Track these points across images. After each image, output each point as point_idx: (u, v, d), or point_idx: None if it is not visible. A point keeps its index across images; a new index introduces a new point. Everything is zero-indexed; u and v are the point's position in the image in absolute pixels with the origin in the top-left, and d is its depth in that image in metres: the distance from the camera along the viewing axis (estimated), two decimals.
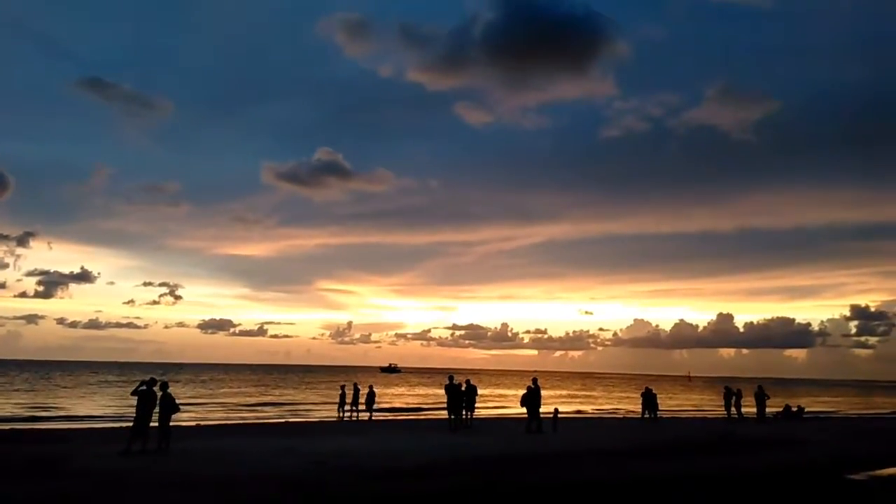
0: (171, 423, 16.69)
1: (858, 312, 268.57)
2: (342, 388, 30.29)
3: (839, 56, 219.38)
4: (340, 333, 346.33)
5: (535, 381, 23.38)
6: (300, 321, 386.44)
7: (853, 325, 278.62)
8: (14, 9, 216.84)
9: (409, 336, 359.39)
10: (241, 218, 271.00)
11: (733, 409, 31.69)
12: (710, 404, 55.18)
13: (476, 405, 24.26)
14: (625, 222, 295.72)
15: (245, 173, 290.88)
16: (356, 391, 28.96)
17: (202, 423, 27.46)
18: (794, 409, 36.38)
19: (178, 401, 17.30)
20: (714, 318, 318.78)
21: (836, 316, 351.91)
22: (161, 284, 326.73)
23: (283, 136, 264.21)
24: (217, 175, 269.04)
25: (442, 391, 24.59)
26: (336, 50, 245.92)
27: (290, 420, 31.56)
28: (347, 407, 28.90)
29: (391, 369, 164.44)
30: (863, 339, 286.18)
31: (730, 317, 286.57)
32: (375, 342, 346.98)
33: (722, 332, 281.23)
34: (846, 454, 19.10)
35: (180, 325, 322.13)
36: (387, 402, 50.74)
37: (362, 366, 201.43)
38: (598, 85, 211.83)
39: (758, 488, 13.12)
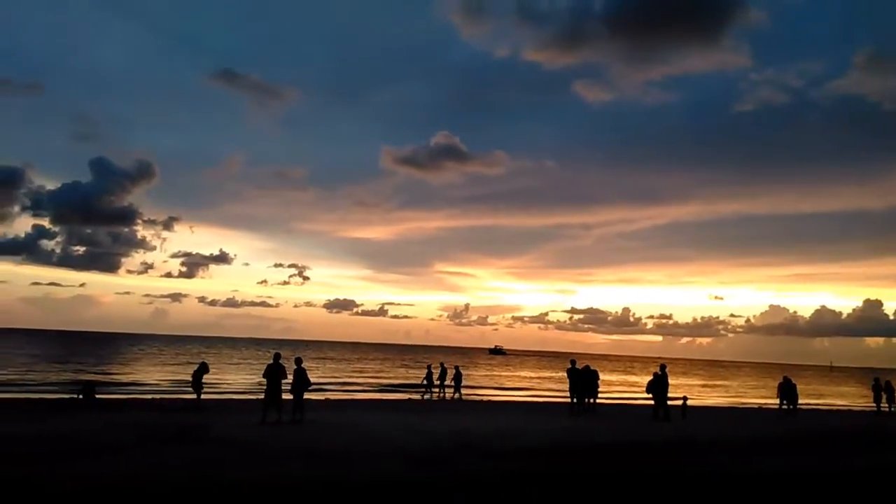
0: (305, 397, 17.47)
1: None
2: (429, 367, 30.64)
3: None
4: (458, 315, 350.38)
5: (662, 367, 22.45)
6: (419, 302, 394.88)
7: None
8: (151, 6, 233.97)
9: (526, 319, 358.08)
10: (363, 202, 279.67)
11: (884, 402, 29.02)
12: (854, 397, 50.98)
13: (599, 390, 23.70)
14: (759, 201, 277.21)
15: (365, 158, 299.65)
16: (443, 371, 29.23)
17: (330, 397, 28.65)
18: None
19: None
20: (860, 304, 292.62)
21: None
22: (290, 266, 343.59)
23: (401, 121, 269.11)
24: (339, 160, 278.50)
25: (562, 374, 24.18)
26: (452, 32, 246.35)
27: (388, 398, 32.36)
28: (436, 388, 29.22)
29: (497, 351, 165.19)
30: None
31: (878, 303, 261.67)
32: (492, 325, 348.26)
33: (869, 320, 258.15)
34: None
35: (308, 304, 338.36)
36: (501, 384, 50.84)
37: (478, 347, 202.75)
38: (729, 55, 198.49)
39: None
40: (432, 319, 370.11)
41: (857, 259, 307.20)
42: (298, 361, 17.46)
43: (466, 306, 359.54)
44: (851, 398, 49.95)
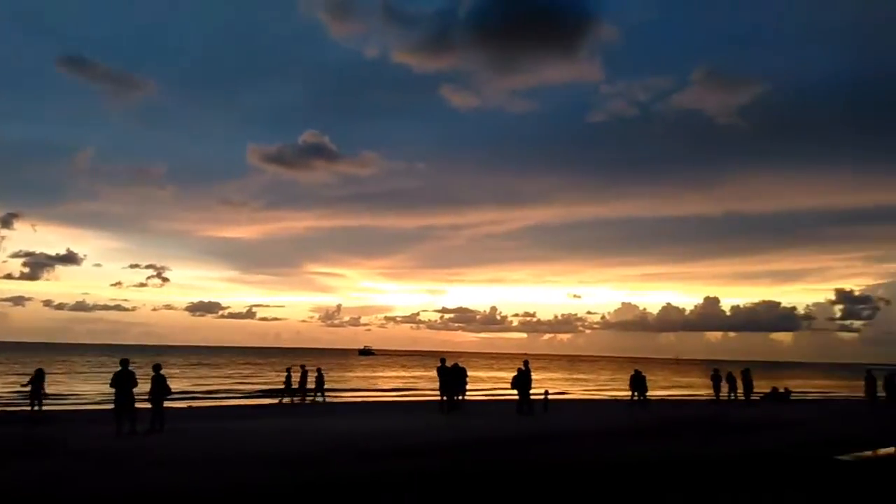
0: (166, 405, 16.67)
1: (843, 296, 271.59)
2: (288, 371, 29.12)
3: (827, 40, 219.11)
4: (330, 316, 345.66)
5: (525, 363, 23.55)
6: (289, 304, 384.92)
7: (838, 309, 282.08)
8: None
9: (398, 319, 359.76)
10: (228, 200, 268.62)
11: (722, 391, 31.93)
12: (698, 387, 55.75)
13: (466, 387, 24.41)
14: (613, 206, 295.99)
15: (231, 155, 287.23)
16: (304, 374, 28.32)
17: (193, 404, 27.42)
18: (781, 391, 36.80)
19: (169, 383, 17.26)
20: (701, 301, 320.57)
21: (822, 300, 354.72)
22: (148, 266, 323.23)
23: (268, 118, 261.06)
24: (203, 157, 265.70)
25: (433, 373, 24.70)
26: (321, 31, 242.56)
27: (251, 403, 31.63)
28: (299, 394, 28.19)
29: (366, 352, 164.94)
30: (847, 322, 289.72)
31: (716, 300, 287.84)
32: (365, 325, 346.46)
33: (709, 316, 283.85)
34: (833, 436, 19.36)
35: (168, 307, 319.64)
36: (374, 384, 50.96)
37: (351, 348, 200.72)
38: (585, 69, 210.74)
39: (750, 469, 13.27)
40: (303, 321, 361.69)
41: (698, 260, 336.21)
42: (156, 368, 16.62)
43: (338, 307, 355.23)
44: (695, 388, 54.55)
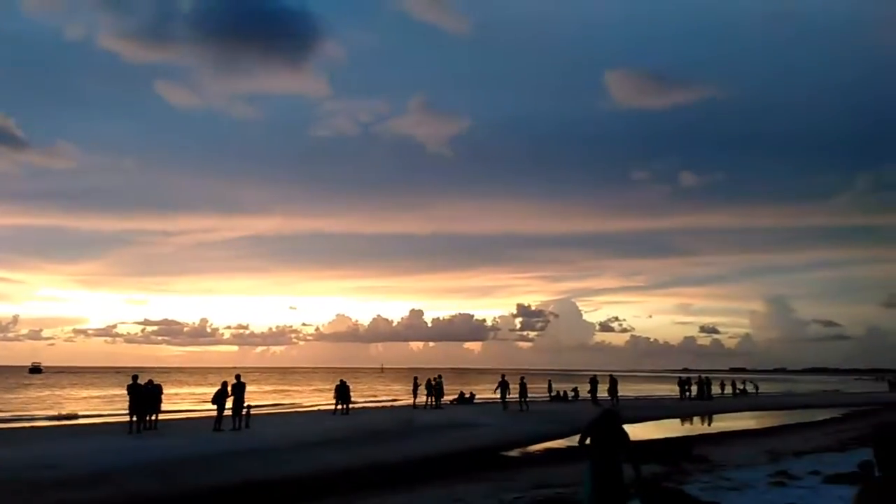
0: None
1: (522, 310, 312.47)
2: None
3: (527, 85, 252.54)
4: (3, 328, 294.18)
5: (237, 377, 23.06)
6: None
7: (518, 321, 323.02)
8: None
9: (89, 332, 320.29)
10: None
11: (426, 397, 34.36)
12: (399, 394, 59.12)
13: (161, 405, 22.90)
14: (332, 220, 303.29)
15: None
16: None
17: None
18: (468, 395, 40.94)
19: None
20: (407, 313, 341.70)
21: (506, 313, 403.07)
22: None
23: None
24: None
25: (123, 392, 22.68)
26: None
27: None
28: None
29: (35, 370, 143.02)
30: (525, 333, 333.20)
31: (420, 312, 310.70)
32: (48, 339, 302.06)
33: (413, 327, 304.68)
34: (505, 435, 22.19)
35: None
36: (55, 407, 44.81)
37: (25, 365, 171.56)
38: (311, 83, 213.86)
39: (432, 465, 14.64)
40: None
41: (407, 275, 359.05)
42: None
43: (15, 318, 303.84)
44: (396, 395, 57.74)
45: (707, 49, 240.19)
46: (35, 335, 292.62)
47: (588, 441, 7.18)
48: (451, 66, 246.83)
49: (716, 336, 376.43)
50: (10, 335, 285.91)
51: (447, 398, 36.80)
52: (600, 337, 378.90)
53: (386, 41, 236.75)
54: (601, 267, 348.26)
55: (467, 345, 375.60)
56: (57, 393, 63.64)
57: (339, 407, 29.71)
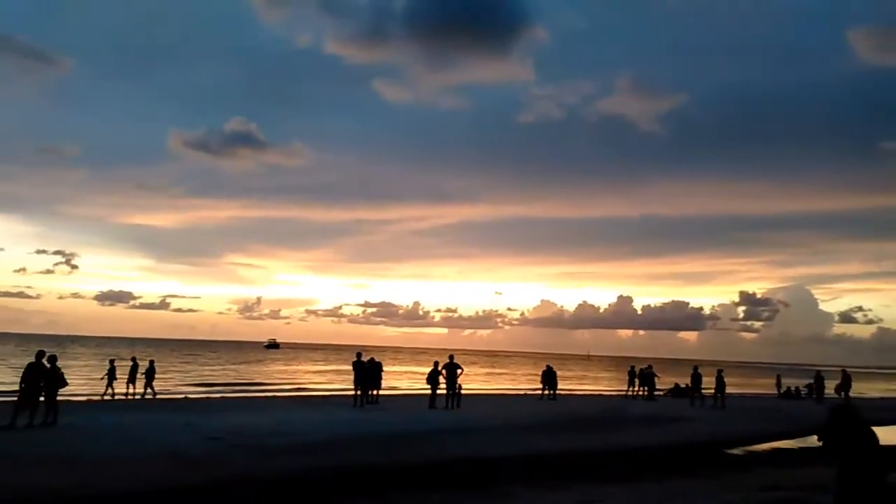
0: (67, 398, 15.98)
1: (746, 298, 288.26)
2: (111, 362, 26.55)
3: (744, 53, 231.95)
4: (249, 309, 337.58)
5: (451, 357, 23.85)
6: (206, 295, 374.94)
7: (741, 310, 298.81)
8: None
9: (319, 313, 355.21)
10: (145, 185, 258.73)
11: (636, 387, 33.08)
12: (607, 382, 57.75)
13: (382, 382, 24.40)
14: (536, 206, 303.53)
15: (150, 139, 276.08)
16: (134, 366, 26.01)
17: (93, 397, 26.21)
18: (683, 387, 38.64)
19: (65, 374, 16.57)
20: (615, 300, 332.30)
21: (727, 301, 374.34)
22: (56, 252, 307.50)
23: (192, 102, 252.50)
24: (119, 139, 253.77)
25: (348, 367, 24.61)
26: (251, 15, 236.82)
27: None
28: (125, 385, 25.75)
29: (272, 345, 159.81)
30: (749, 323, 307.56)
31: (629, 299, 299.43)
32: (285, 318, 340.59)
33: (621, 314, 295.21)
34: (727, 430, 20.59)
35: (76, 295, 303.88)
36: (290, 380, 50.19)
37: (261, 340, 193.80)
38: (516, 69, 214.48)
39: (646, 461, 13.96)
40: (220, 313, 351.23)
41: (614, 260, 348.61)
42: (52, 359, 15.92)
43: (258, 299, 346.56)
44: (605, 383, 56.49)
45: None
46: (275, 315, 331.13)
47: (828, 442, 6.22)
48: (663, 38, 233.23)
49: None
50: (255, 314, 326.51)
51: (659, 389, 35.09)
52: (840, 329, 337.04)
53: (591, 19, 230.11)
54: (841, 250, 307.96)
55: (681, 334, 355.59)
56: (292, 368, 71.29)
57: (547, 392, 29.66)
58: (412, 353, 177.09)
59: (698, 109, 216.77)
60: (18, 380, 15.46)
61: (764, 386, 54.96)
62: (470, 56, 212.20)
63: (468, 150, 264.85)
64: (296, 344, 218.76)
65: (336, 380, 47.77)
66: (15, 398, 15.54)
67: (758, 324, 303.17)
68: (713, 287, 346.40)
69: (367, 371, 23.10)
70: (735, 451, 17.28)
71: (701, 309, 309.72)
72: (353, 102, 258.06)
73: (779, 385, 41.44)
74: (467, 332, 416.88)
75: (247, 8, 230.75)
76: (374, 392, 23.55)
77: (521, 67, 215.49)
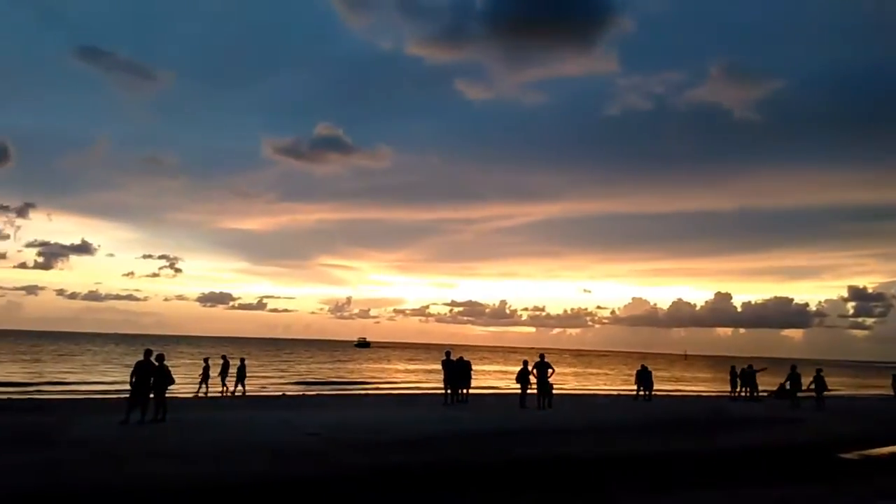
0: (168, 395, 16.84)
1: (856, 293, 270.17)
2: (206, 361, 27.45)
3: (843, 36, 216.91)
4: (339, 308, 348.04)
5: (542, 356, 23.39)
6: (300, 296, 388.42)
7: (850, 307, 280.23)
8: None
9: (407, 312, 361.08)
10: (241, 192, 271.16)
11: (739, 388, 31.57)
12: (707, 383, 55.52)
13: (471, 381, 24.40)
14: (624, 201, 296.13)
15: (245, 147, 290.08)
16: (225, 364, 26.81)
17: (200, 395, 27.63)
18: (788, 387, 36.52)
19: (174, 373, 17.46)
20: (712, 297, 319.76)
21: (834, 297, 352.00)
22: (161, 257, 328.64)
23: (282, 111, 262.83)
24: (216, 148, 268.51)
25: (437, 366, 24.73)
26: (335, 22, 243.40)
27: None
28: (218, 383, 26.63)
29: (362, 344, 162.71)
30: (860, 319, 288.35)
31: (728, 296, 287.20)
32: (374, 318, 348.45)
33: (720, 312, 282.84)
34: (839, 433, 19.30)
35: (180, 297, 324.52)
36: (379, 377, 51.12)
37: (352, 340, 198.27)
38: (600, 61, 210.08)
39: (751, 466, 13.26)
40: (313, 313, 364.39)
41: (710, 255, 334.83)
42: (160, 358, 16.82)
43: (348, 299, 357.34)
44: (703, 384, 54.33)
45: None
46: (364, 314, 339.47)
47: None
48: (756, 20, 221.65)
49: None
50: (346, 314, 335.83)
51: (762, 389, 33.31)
52: None
53: (677, 4, 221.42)
54: None
55: (785, 332, 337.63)
56: (383, 366, 72.64)
57: (642, 393, 28.79)
58: (502, 353, 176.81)
59: (797, 95, 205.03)
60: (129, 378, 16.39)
61: (880, 387, 51.29)
62: (551, 51, 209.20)
63: (552, 147, 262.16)
64: (385, 343, 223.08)
65: (426, 378, 48.27)
66: (128, 395, 16.54)
67: (870, 320, 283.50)
68: (818, 282, 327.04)
69: (457, 370, 23.18)
70: (847, 456, 16.15)
71: (806, 305, 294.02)
72: (435, 103, 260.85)
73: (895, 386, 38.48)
74: (555, 330, 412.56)
75: (331, 16, 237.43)
76: (465, 391, 23.59)
77: (604, 59, 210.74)
